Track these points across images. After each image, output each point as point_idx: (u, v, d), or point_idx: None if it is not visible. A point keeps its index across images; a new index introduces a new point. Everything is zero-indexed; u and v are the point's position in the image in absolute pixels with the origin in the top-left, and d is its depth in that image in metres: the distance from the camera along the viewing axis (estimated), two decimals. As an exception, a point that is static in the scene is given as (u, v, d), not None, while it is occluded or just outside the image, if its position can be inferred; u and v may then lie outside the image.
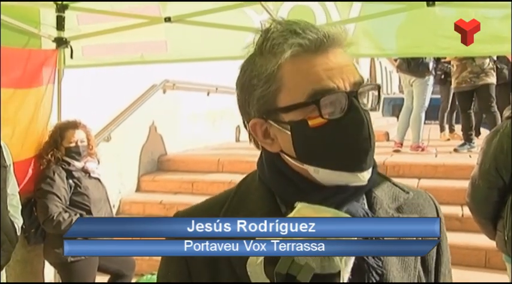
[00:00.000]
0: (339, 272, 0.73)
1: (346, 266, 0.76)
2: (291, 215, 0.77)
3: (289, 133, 0.81)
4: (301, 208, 0.77)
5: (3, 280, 2.42)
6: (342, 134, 0.79)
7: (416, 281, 0.84)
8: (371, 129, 0.80)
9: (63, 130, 3.13)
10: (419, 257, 0.86)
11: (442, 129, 7.01)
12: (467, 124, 5.70)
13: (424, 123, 5.75)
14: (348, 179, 0.81)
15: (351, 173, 0.80)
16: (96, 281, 3.17)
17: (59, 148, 3.10)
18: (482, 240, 2.76)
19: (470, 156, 5.10)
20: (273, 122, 0.83)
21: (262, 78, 0.81)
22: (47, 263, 3.23)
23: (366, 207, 0.86)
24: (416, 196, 0.92)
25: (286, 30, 0.80)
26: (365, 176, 0.81)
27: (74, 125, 3.16)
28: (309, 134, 0.80)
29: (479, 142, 5.37)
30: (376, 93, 0.85)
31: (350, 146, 0.79)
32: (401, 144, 5.72)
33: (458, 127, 6.46)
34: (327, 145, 0.79)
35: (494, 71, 5.51)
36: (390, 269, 0.82)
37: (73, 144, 3.12)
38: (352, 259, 0.78)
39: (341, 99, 0.79)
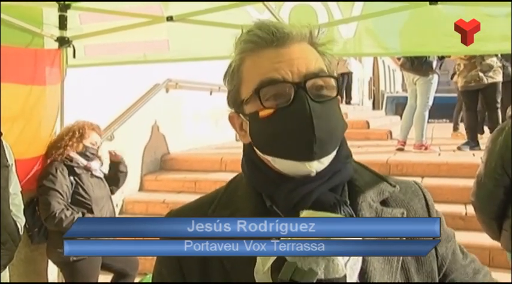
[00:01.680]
0: (344, 276, 0.72)
1: (352, 272, 0.75)
2: None
3: None
4: (306, 216, 0.76)
5: (7, 279, 2.42)
6: (286, 124, 0.82)
7: (399, 273, 0.85)
8: (318, 120, 0.81)
9: (89, 129, 3.21)
10: None
11: (455, 128, 6.96)
12: (471, 123, 5.69)
13: (428, 122, 5.73)
14: (297, 168, 0.83)
15: (299, 162, 0.82)
16: (100, 280, 3.18)
17: (78, 144, 3.13)
18: (486, 239, 2.74)
19: (473, 155, 5.08)
20: (241, 115, 0.89)
21: (229, 73, 0.89)
22: (50, 262, 3.24)
23: (346, 198, 0.87)
24: (404, 189, 0.93)
25: (250, 30, 0.86)
26: (313, 166, 0.83)
27: (97, 128, 3.28)
28: (260, 125, 0.84)
29: (482, 140, 5.38)
30: (334, 84, 0.85)
31: (294, 135, 0.82)
32: (405, 143, 5.71)
33: (462, 126, 6.43)
34: (276, 135, 0.83)
35: (501, 69, 5.49)
36: (370, 260, 0.82)
37: (91, 145, 3.19)
38: (359, 264, 0.77)
39: (286, 90, 0.82)
